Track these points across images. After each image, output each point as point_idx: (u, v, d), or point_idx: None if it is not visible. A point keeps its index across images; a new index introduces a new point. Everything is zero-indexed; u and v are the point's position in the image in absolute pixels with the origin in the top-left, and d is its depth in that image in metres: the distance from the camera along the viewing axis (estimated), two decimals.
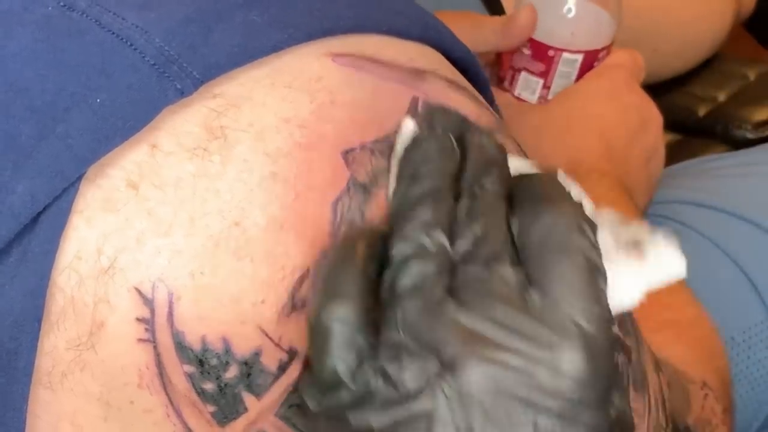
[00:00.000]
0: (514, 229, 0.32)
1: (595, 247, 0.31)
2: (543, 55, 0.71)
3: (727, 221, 0.72)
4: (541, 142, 0.69)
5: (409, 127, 0.35)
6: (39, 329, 0.33)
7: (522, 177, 0.34)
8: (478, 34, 0.69)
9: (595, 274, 0.31)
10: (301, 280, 0.33)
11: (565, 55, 0.71)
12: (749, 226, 0.71)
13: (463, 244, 0.31)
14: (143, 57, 0.33)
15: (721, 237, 0.71)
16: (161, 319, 0.32)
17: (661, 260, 0.34)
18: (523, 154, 0.41)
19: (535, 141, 0.69)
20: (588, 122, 0.70)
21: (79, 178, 0.32)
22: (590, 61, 0.72)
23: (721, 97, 0.92)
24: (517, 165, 0.35)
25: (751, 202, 0.72)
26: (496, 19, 0.73)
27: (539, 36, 0.70)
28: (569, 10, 0.70)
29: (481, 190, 0.32)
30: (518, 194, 0.33)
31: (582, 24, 0.70)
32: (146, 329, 0.33)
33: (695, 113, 0.91)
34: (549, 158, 0.68)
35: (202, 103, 0.33)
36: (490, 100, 0.44)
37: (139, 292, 0.32)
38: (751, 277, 0.69)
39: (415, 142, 0.34)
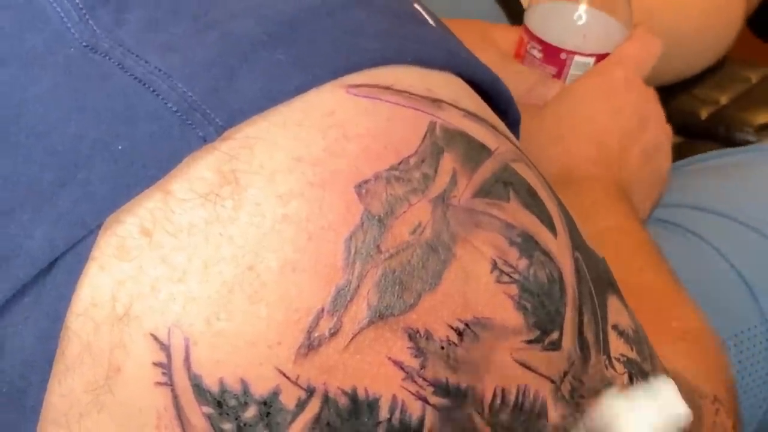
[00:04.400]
0: None
1: None
2: (555, 58, 0.70)
3: (727, 225, 0.72)
4: (533, 148, 0.68)
5: None
6: (49, 371, 0.33)
7: None
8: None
9: None
10: (317, 319, 0.33)
11: (578, 58, 0.70)
12: (748, 231, 0.71)
13: None
14: (166, 103, 0.33)
15: (720, 241, 0.71)
16: (178, 363, 0.33)
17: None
18: (546, 182, 0.40)
19: (528, 146, 0.68)
20: (580, 127, 0.69)
21: (98, 227, 0.32)
22: None
23: (723, 99, 0.92)
24: None
25: (751, 206, 0.72)
26: (504, 30, 0.73)
27: (551, 39, 0.70)
28: (579, 17, 0.69)
29: None
30: None
31: (593, 30, 0.70)
32: (163, 373, 0.33)
33: (697, 116, 0.91)
34: (541, 165, 0.67)
35: (214, 146, 0.33)
36: (515, 120, 0.44)
37: (155, 338, 0.32)
38: (748, 281, 0.68)
39: None
